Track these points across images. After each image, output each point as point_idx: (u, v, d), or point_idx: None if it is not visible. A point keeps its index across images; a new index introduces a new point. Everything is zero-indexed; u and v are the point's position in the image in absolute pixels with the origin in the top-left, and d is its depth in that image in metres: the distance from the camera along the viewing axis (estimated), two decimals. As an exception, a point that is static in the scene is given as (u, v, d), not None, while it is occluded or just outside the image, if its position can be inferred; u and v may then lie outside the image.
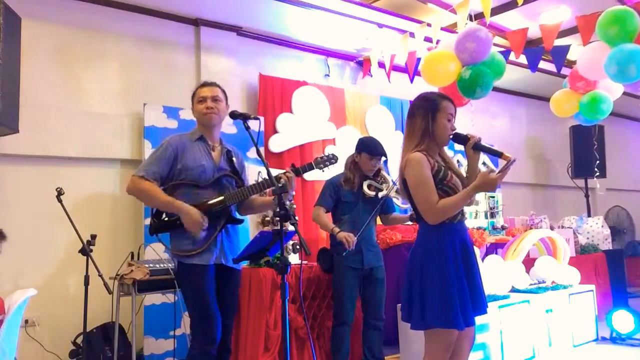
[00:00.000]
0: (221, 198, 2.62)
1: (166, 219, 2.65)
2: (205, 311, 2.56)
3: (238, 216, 2.75)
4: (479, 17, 4.79)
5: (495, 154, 2.33)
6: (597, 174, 7.13)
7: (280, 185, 2.37)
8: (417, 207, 2.32)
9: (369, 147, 3.52)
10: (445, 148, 2.48)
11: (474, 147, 2.37)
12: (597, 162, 7.32)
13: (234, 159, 2.79)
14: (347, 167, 3.62)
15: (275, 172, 2.58)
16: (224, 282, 2.70)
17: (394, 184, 3.54)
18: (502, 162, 2.20)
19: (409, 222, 3.84)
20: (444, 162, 2.41)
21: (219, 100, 2.73)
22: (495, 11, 5.11)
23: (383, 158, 3.59)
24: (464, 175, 2.45)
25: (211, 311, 2.57)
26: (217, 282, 2.66)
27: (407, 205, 3.82)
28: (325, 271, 3.62)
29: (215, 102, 2.71)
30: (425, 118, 2.35)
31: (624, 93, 4.65)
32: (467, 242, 2.35)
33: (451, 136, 2.38)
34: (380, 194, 3.55)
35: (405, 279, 2.36)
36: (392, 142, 6.21)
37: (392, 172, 6.17)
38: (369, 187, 3.53)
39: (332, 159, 2.76)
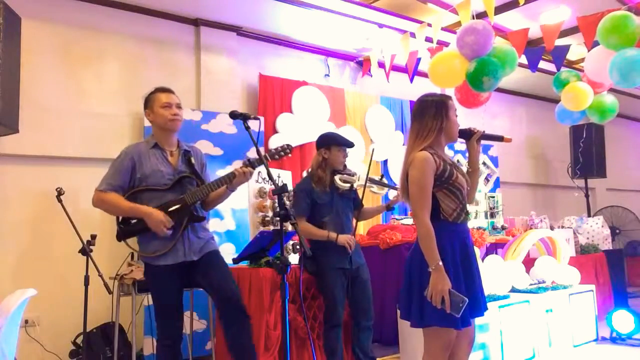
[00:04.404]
0: (181, 197, 2.72)
1: (133, 223, 2.74)
2: (166, 311, 2.74)
3: (201, 213, 2.82)
4: (480, 17, 4.78)
5: (497, 139, 2.57)
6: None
7: (280, 185, 2.37)
8: (410, 205, 2.34)
9: (337, 139, 3.46)
10: (446, 148, 2.50)
11: (482, 137, 2.53)
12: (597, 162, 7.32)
13: (192, 159, 2.85)
14: (317, 167, 3.46)
15: (275, 172, 2.58)
16: (203, 268, 2.76)
17: (367, 177, 3.50)
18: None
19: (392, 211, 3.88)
20: (449, 160, 2.42)
21: (181, 108, 2.86)
22: (496, 11, 5.10)
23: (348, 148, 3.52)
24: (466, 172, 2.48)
25: (171, 310, 2.73)
26: (195, 275, 2.76)
27: (384, 192, 3.80)
28: (311, 274, 3.50)
29: (179, 110, 2.84)
30: (438, 117, 2.38)
31: (624, 93, 4.64)
32: (467, 244, 2.35)
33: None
34: (355, 185, 3.49)
35: (404, 277, 2.37)
36: (392, 142, 6.22)
37: (393, 172, 6.18)
38: (341, 179, 3.43)
39: (286, 149, 2.81)
